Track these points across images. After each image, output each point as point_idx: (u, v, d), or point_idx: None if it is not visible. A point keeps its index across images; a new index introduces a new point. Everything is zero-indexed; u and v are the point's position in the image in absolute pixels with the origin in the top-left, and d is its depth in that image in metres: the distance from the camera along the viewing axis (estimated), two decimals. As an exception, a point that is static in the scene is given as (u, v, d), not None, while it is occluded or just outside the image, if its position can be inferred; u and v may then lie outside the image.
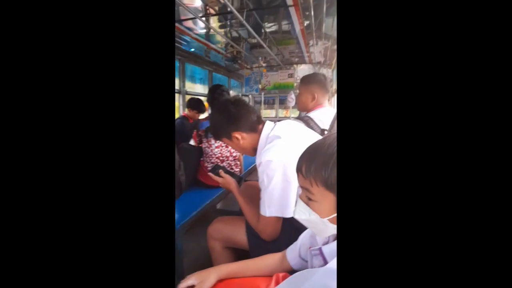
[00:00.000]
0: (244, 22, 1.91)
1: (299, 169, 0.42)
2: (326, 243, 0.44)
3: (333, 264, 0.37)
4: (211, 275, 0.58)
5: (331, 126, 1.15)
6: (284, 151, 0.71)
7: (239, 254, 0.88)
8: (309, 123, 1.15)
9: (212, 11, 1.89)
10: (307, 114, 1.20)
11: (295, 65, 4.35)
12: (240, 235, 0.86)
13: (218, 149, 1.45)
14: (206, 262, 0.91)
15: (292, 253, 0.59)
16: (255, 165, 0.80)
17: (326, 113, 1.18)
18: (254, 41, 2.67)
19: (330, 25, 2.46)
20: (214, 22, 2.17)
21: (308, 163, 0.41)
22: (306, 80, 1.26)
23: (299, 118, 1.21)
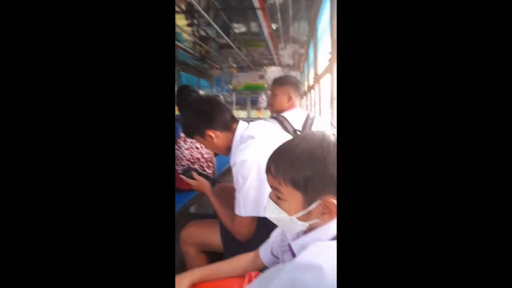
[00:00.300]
0: (211, 21, 1.89)
1: (268, 169, 0.43)
2: (296, 238, 0.46)
3: (300, 257, 0.38)
4: (184, 280, 0.57)
5: (303, 126, 1.20)
6: (259, 151, 0.72)
7: (213, 257, 0.87)
8: (284, 123, 1.19)
9: (177, 8, 1.83)
10: (281, 114, 1.23)
11: (265, 67, 4.42)
12: (214, 238, 0.85)
13: (188, 151, 1.41)
14: (179, 267, 0.88)
15: (265, 251, 0.60)
16: (229, 166, 0.80)
17: (299, 114, 1.23)
18: (223, 41, 2.65)
19: (297, 29, 2.56)
20: (180, 20, 2.10)
21: (277, 163, 0.42)
22: (281, 81, 1.28)
23: (273, 118, 1.24)
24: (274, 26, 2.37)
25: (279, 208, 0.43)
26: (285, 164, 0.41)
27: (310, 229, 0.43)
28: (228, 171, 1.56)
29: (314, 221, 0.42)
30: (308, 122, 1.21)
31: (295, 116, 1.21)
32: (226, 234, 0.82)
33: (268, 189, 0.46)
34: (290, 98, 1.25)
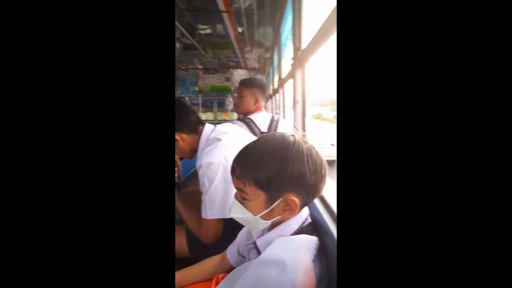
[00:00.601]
0: (176, 21, 1.83)
1: (233, 171, 0.45)
2: (261, 236, 0.47)
3: (264, 254, 0.40)
4: None
5: (268, 128, 1.24)
6: (225, 153, 0.72)
7: (178, 264, 0.84)
8: (250, 125, 1.21)
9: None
10: (248, 116, 1.25)
11: (231, 69, 4.42)
12: (180, 245, 0.83)
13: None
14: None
15: (231, 251, 0.61)
16: (194, 170, 0.79)
17: (264, 116, 1.26)
18: (188, 42, 2.59)
19: (262, 34, 2.63)
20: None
21: (241, 165, 0.43)
22: (249, 83, 1.30)
23: (240, 119, 1.25)
24: (239, 30, 2.40)
25: (244, 208, 0.44)
26: (249, 165, 0.42)
27: (273, 226, 0.46)
28: (194, 175, 1.52)
29: (276, 218, 0.44)
30: (273, 124, 1.26)
31: (261, 119, 1.24)
32: (192, 239, 0.80)
33: (234, 191, 0.46)
34: (257, 101, 1.28)
